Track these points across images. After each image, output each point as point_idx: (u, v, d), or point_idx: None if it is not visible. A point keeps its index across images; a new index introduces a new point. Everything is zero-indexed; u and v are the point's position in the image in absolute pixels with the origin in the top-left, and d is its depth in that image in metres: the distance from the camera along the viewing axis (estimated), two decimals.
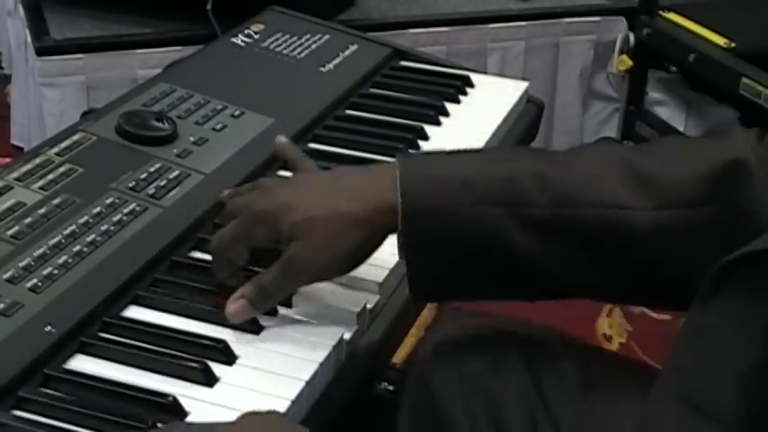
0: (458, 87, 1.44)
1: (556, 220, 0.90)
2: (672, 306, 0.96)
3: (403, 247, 0.92)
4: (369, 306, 0.96)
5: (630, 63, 2.65)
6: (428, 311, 1.81)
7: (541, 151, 1.00)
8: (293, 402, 0.84)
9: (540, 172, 0.92)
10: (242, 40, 1.45)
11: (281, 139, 1.11)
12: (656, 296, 0.94)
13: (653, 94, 2.72)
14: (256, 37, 1.47)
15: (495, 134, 1.32)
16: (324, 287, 0.96)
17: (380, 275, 0.99)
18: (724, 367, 0.67)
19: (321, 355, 0.89)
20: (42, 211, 1.00)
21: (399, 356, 1.39)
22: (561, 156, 0.97)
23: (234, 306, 0.92)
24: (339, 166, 1.12)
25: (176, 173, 1.11)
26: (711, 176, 0.89)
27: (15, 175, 1.05)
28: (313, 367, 0.88)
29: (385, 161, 1.21)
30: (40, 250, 0.95)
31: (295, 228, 0.91)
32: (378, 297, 0.98)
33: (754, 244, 0.69)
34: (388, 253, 0.96)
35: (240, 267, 0.96)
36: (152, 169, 1.10)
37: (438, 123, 1.34)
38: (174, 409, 0.82)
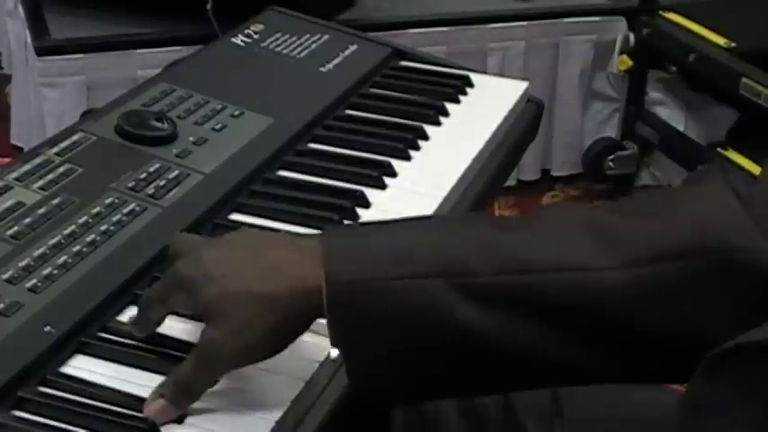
0: (458, 87, 1.43)
1: (502, 288, 0.79)
2: (671, 379, 0.84)
3: (333, 334, 0.81)
4: None
5: (630, 63, 2.65)
6: None
7: (496, 218, 0.95)
8: (293, 402, 0.84)
9: (488, 239, 0.81)
10: (242, 40, 1.45)
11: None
12: (649, 368, 0.81)
13: (653, 94, 2.72)
14: (256, 37, 1.47)
15: (494, 134, 1.32)
16: None
17: None
18: None
19: (321, 354, 0.89)
20: (42, 211, 1.00)
21: None
22: (517, 221, 0.89)
23: (152, 408, 0.80)
24: (252, 230, 0.94)
25: (176, 173, 1.11)
26: (688, 227, 0.79)
27: (15, 175, 1.05)
28: (314, 367, 0.88)
29: (385, 161, 1.21)
30: (40, 250, 0.95)
31: (208, 307, 0.80)
32: None
33: (749, 334, 0.65)
34: None
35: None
36: (152, 169, 1.10)
37: (438, 123, 1.34)
38: None
